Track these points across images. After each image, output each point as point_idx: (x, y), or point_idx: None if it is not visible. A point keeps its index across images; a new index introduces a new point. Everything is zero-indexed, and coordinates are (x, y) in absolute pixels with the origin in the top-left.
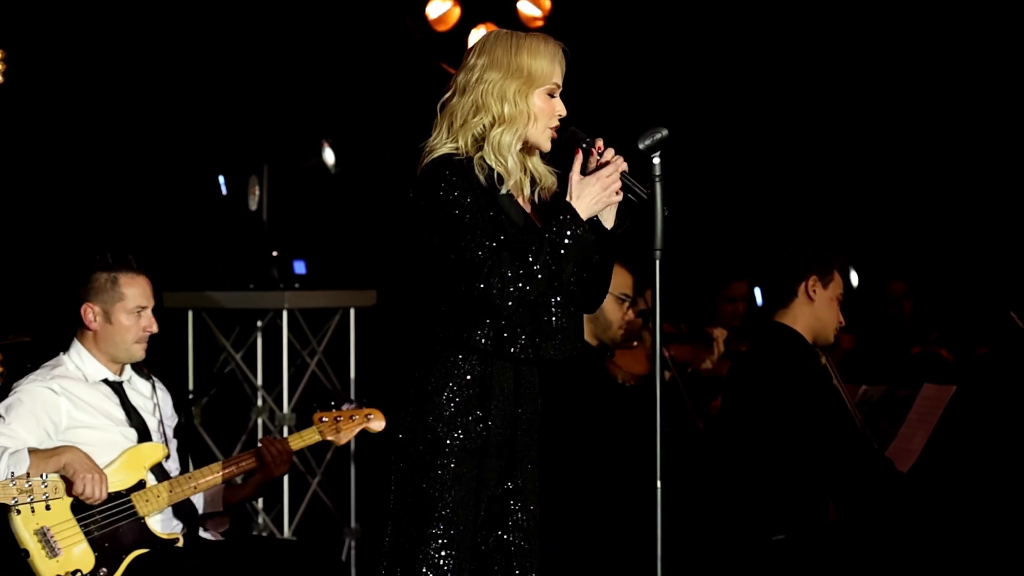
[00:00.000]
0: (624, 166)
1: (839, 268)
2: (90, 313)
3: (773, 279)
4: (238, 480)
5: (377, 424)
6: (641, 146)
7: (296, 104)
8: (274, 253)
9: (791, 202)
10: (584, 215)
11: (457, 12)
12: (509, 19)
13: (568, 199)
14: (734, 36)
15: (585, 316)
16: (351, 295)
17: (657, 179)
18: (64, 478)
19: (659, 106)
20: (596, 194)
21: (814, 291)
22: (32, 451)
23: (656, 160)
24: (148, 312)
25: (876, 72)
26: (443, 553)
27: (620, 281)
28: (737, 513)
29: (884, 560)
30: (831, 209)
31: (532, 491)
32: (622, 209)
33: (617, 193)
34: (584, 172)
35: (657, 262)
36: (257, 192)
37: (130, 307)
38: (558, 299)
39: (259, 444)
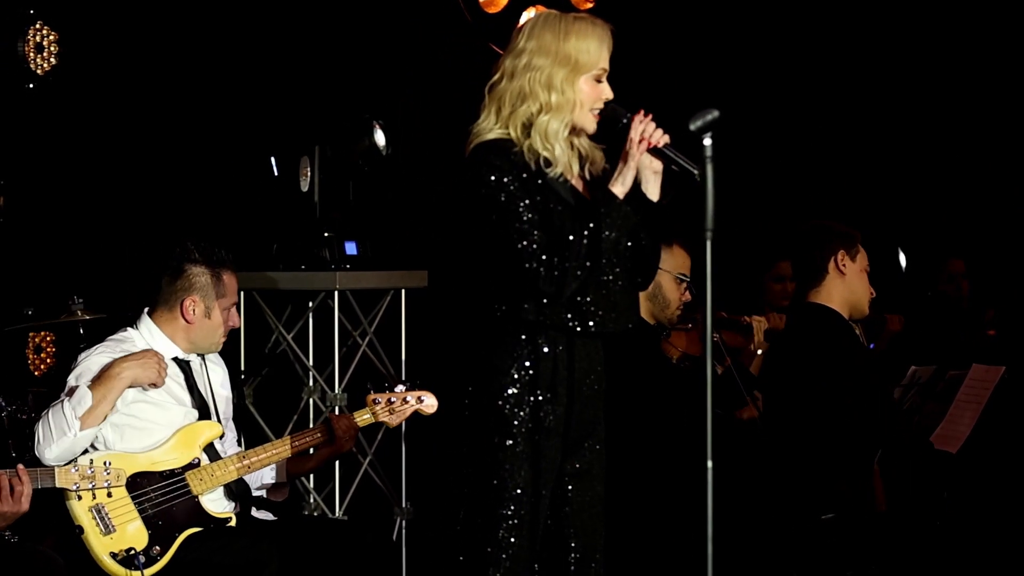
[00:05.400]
0: (666, 138)
1: (861, 241)
2: (192, 307)
3: (804, 258)
4: (310, 450)
5: (430, 406)
6: (692, 127)
7: (347, 85)
8: (325, 234)
9: (843, 181)
10: (621, 194)
11: None
12: (560, 1)
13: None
14: (788, 14)
15: (643, 295)
16: (402, 276)
17: (708, 160)
18: (126, 458)
19: (711, 86)
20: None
21: (844, 265)
22: (91, 385)
23: (707, 141)
24: (234, 307)
25: (934, 47)
26: (514, 533)
27: (680, 262)
28: (786, 493)
29: (932, 539)
30: (890, 187)
31: (597, 472)
32: (666, 182)
33: (655, 173)
34: (627, 146)
35: (708, 243)
36: (308, 173)
37: (228, 304)
38: (610, 275)
39: (328, 418)
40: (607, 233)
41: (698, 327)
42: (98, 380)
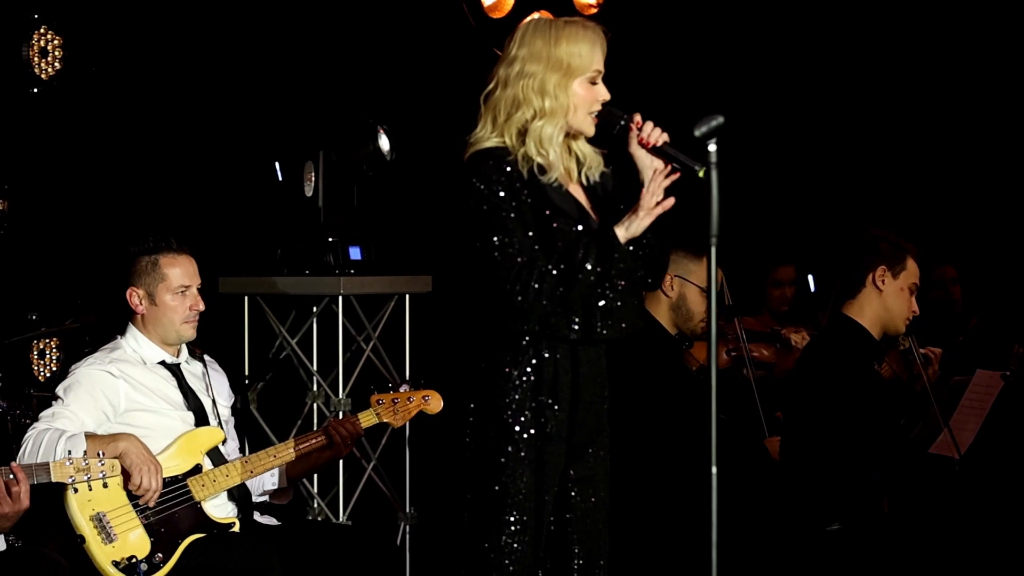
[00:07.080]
0: (665, 137)
1: (914, 258)
2: (135, 297)
3: (844, 269)
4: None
5: (435, 405)
6: (697, 133)
7: (352, 91)
8: (329, 239)
9: (840, 185)
10: (623, 239)
11: None
12: (564, 6)
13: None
14: (791, 20)
15: (667, 305)
16: (406, 281)
17: (713, 166)
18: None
19: (716, 91)
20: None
21: (883, 281)
22: (89, 436)
23: (712, 147)
24: (193, 291)
25: (929, 54)
26: (517, 539)
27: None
28: (793, 503)
29: (938, 549)
30: (884, 191)
31: (601, 478)
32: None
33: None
34: (628, 146)
35: (713, 249)
36: (313, 178)
37: (173, 287)
38: (606, 282)
39: (328, 424)
40: (595, 267)
41: (724, 342)
42: (99, 441)
